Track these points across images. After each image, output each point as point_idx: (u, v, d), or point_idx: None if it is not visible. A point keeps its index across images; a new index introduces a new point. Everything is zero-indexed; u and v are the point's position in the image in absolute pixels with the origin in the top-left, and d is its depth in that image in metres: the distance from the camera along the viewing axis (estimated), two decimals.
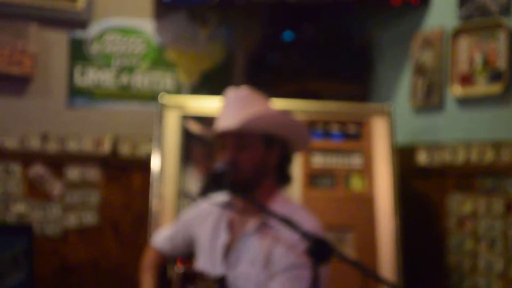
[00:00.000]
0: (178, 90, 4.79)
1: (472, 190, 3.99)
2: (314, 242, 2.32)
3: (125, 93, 4.72)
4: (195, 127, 2.89)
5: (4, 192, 4.39)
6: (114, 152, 4.61)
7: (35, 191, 4.45)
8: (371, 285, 3.78)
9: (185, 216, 3.05)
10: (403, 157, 4.31)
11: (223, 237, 2.78)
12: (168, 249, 3.04)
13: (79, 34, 4.62)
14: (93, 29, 4.65)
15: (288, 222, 2.47)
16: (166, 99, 4.10)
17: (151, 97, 4.67)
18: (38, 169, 4.45)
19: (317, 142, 4.15)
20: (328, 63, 4.69)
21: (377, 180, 4.12)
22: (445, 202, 4.16)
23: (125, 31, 4.73)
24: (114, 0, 4.71)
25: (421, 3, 4.42)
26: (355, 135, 4.20)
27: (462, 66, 4.10)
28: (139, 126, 4.64)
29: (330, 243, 2.33)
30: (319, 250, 2.31)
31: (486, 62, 3.96)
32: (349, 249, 3.98)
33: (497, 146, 3.86)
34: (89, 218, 4.56)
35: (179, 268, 2.75)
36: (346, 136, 4.20)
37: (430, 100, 4.31)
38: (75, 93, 4.61)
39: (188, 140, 4.04)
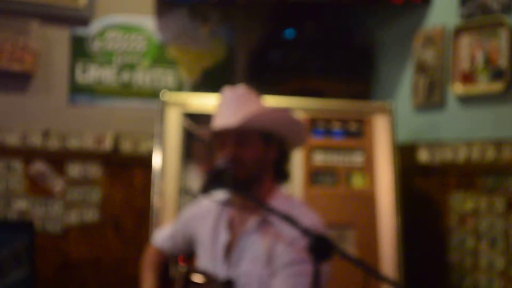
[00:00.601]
0: (179, 88, 4.79)
1: (474, 188, 3.99)
2: (315, 239, 2.32)
3: (126, 90, 4.72)
4: (193, 128, 2.89)
5: (5, 189, 4.40)
6: (116, 149, 4.61)
7: (37, 188, 4.46)
8: (372, 283, 3.78)
9: (185, 214, 3.04)
10: (404, 155, 4.31)
11: (223, 236, 2.78)
12: (169, 247, 3.04)
13: (80, 31, 4.62)
14: (95, 26, 4.66)
15: (288, 219, 2.47)
16: (168, 96, 4.11)
17: (153, 94, 4.67)
18: (39, 166, 4.46)
19: (319, 140, 4.15)
20: (329, 61, 4.68)
21: (378, 178, 4.12)
22: (446, 200, 4.16)
23: (127, 28, 4.73)
24: None
25: (422, 1, 4.42)
26: (356, 133, 4.21)
27: (464, 64, 4.10)
28: (141, 123, 4.64)
29: (331, 240, 2.33)
30: (320, 247, 2.31)
31: (488, 61, 3.96)
32: (350, 247, 3.99)
33: (498, 144, 3.86)
34: (91, 215, 4.56)
35: (182, 267, 2.75)
36: (347, 134, 4.20)
37: (431, 98, 4.31)
38: (77, 90, 4.61)
39: (189, 137, 4.04)
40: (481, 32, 4.00)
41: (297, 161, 4.04)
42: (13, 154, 4.41)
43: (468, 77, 4.07)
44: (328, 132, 4.20)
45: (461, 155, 4.07)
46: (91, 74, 4.64)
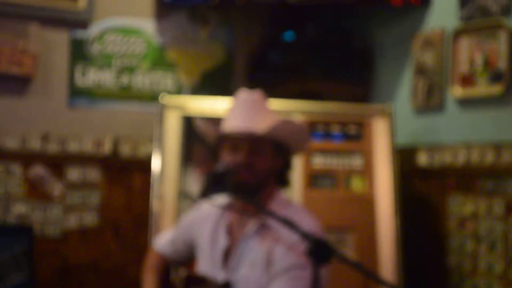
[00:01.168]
0: (178, 91, 4.79)
1: (473, 191, 3.99)
2: (314, 243, 2.32)
3: (125, 94, 4.72)
4: (202, 125, 2.87)
5: (4, 193, 4.39)
6: (115, 153, 4.61)
7: (36, 191, 4.45)
8: (372, 286, 3.78)
9: (185, 219, 3.05)
10: (404, 158, 4.31)
11: (222, 241, 2.78)
12: (170, 252, 3.04)
13: (79, 34, 4.62)
14: (94, 29, 4.65)
15: (288, 223, 2.47)
16: (167, 99, 4.11)
17: (152, 97, 4.67)
18: (38, 170, 4.45)
19: (318, 143, 4.15)
20: (328, 63, 4.69)
21: (378, 181, 4.12)
22: (445, 203, 4.16)
23: (126, 31, 4.72)
24: (114, 0, 4.70)
25: (421, 3, 4.42)
26: (355, 136, 4.21)
27: (463, 67, 4.10)
28: (140, 126, 4.64)
29: (330, 244, 2.33)
30: (319, 251, 2.31)
31: (487, 63, 3.96)
32: (349, 250, 3.99)
33: (497, 147, 3.86)
34: (90, 218, 4.56)
35: (182, 272, 2.75)
36: (346, 137, 4.20)
37: (430, 101, 4.31)
38: (76, 93, 4.61)
39: (189, 141, 4.04)
40: (480, 34, 4.00)
41: (297, 165, 4.04)
42: (12, 158, 4.41)
43: (467, 80, 4.07)
44: (327, 135, 4.19)
45: (461, 158, 4.07)
46: (91, 77, 4.64)
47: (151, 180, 4.00)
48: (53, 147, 4.50)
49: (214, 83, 4.84)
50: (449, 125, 4.21)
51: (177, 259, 3.03)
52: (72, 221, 4.52)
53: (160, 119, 4.06)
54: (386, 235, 4.03)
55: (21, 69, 4.41)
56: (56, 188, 4.49)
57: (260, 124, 2.70)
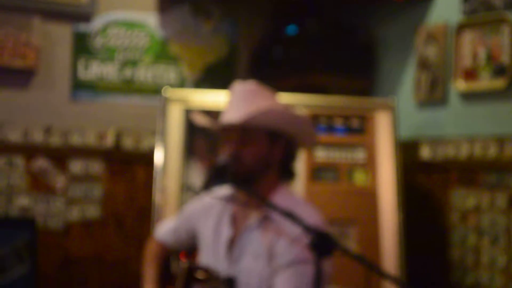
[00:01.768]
0: (181, 84, 4.79)
1: (476, 185, 3.99)
2: (316, 236, 2.32)
3: (128, 87, 4.72)
4: (201, 119, 2.88)
5: (7, 185, 4.40)
6: (118, 146, 4.62)
7: (38, 184, 4.46)
8: (374, 280, 3.78)
9: (188, 209, 3.04)
10: (407, 151, 4.30)
11: (226, 232, 2.78)
12: (171, 241, 3.03)
13: (82, 27, 4.62)
14: (97, 23, 4.65)
15: (290, 216, 2.47)
16: (170, 92, 4.11)
17: (155, 90, 4.67)
18: (41, 162, 4.46)
19: (321, 136, 4.14)
20: (331, 57, 4.68)
21: (381, 174, 4.12)
22: (448, 197, 4.16)
23: (129, 25, 4.72)
24: None
25: None
26: (358, 129, 4.20)
27: (466, 61, 4.09)
28: (143, 119, 4.65)
29: (332, 236, 2.33)
30: (321, 244, 2.31)
31: (490, 57, 3.96)
32: (352, 243, 3.99)
33: (500, 141, 3.86)
34: (92, 211, 4.56)
35: (183, 263, 2.75)
36: (349, 130, 4.20)
37: (433, 94, 4.31)
38: (79, 86, 4.61)
39: (191, 134, 4.04)
40: (484, 28, 4.00)
41: (299, 158, 4.03)
42: (15, 150, 4.42)
43: (470, 74, 4.06)
44: (330, 129, 4.19)
45: (463, 152, 4.07)
46: (93, 70, 4.64)
47: (154, 173, 4.00)
48: (56, 140, 4.51)
49: (217, 76, 4.84)
50: (452, 119, 4.21)
51: (179, 248, 3.03)
52: (75, 214, 4.53)
53: (163, 112, 4.06)
54: (389, 228, 4.03)
55: (24, 62, 4.42)
56: (59, 181, 4.50)
57: (249, 113, 2.68)
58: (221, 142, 2.78)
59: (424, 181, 4.36)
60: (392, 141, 4.14)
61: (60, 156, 4.51)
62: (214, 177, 2.68)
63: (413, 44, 4.49)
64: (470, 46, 4.08)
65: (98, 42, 4.66)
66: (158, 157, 4.01)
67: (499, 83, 3.88)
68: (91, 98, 4.64)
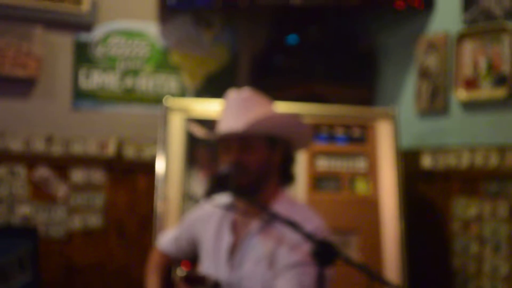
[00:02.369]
0: (182, 93, 4.80)
1: (477, 194, 3.99)
2: (318, 244, 2.32)
3: (129, 96, 4.72)
4: (198, 130, 2.89)
5: (9, 194, 4.40)
6: (119, 155, 4.62)
7: (40, 193, 4.46)
8: None
9: (189, 218, 3.04)
10: (408, 160, 4.31)
11: (227, 238, 2.78)
12: (173, 250, 3.04)
13: (83, 36, 4.63)
14: (98, 32, 4.66)
15: (292, 224, 2.47)
16: (171, 102, 4.11)
17: (156, 100, 4.68)
18: (43, 172, 4.46)
19: (322, 145, 4.15)
20: (332, 66, 4.69)
21: (382, 183, 4.12)
22: (449, 206, 4.16)
23: (130, 34, 4.73)
24: (118, 3, 4.71)
25: (425, 7, 4.43)
26: (359, 138, 4.21)
27: (467, 70, 4.10)
28: (144, 128, 4.65)
29: (335, 245, 2.33)
30: (323, 252, 2.31)
31: (491, 66, 3.97)
32: (353, 252, 3.98)
33: (501, 150, 3.86)
34: (94, 220, 4.56)
35: (181, 272, 2.75)
36: (350, 139, 4.21)
37: (434, 104, 4.31)
38: (80, 95, 4.62)
39: (193, 143, 4.04)
40: (484, 38, 4.01)
41: (301, 167, 4.04)
42: (16, 160, 4.42)
43: (471, 83, 4.07)
44: (331, 138, 4.20)
45: (465, 161, 4.07)
46: (95, 79, 4.65)
47: (155, 182, 4.00)
48: (57, 149, 4.51)
49: (218, 85, 4.83)
50: (453, 128, 4.22)
51: (181, 258, 3.03)
52: (77, 223, 4.53)
53: (164, 122, 4.07)
54: (390, 237, 4.03)
55: (25, 72, 4.42)
56: (61, 190, 4.50)
57: (248, 122, 2.69)
58: (220, 151, 2.78)
59: (426, 190, 4.36)
60: (393, 150, 4.15)
61: (62, 165, 4.51)
62: (216, 186, 2.67)
63: (414, 54, 4.50)
64: (470, 55, 4.09)
65: (99, 51, 4.66)
66: (160, 166, 4.01)
67: (500, 92, 3.89)
68: (92, 107, 4.64)
